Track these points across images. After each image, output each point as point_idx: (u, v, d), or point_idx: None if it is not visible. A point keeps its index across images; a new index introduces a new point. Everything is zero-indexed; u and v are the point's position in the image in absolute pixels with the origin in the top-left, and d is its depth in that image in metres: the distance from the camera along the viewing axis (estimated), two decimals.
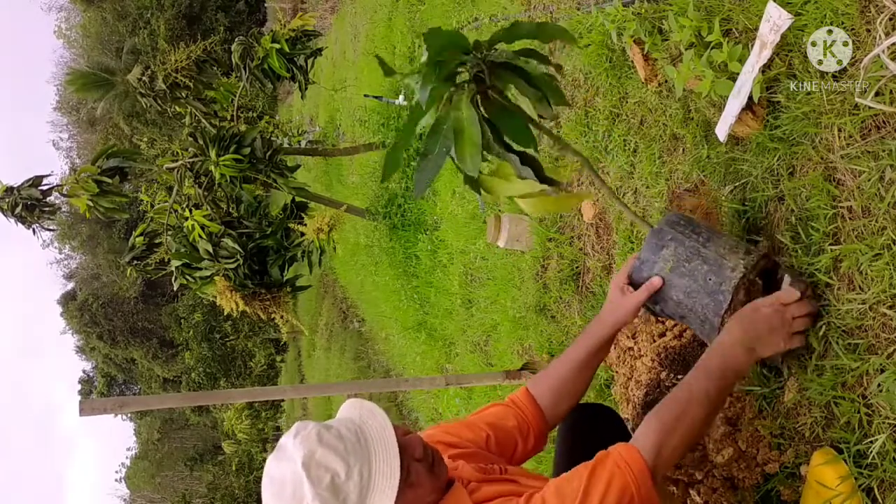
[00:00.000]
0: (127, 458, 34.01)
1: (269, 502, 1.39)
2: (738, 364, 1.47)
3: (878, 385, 1.44)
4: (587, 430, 1.84)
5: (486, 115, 1.35)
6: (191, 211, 4.32)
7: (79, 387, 34.26)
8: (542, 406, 1.75)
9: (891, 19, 1.43)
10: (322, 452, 1.33)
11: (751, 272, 1.58)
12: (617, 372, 2.42)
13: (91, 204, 4.30)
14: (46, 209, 4.45)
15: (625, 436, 1.93)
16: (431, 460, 1.44)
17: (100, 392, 30.41)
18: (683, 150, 2.17)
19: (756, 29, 1.68)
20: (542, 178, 1.45)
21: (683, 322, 1.74)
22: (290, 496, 1.33)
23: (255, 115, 5.81)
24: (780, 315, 1.52)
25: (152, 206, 4.84)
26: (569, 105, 2.04)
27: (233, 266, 4.28)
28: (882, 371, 1.44)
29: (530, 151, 1.42)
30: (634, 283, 1.74)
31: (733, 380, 1.48)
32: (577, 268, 2.92)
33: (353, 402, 1.50)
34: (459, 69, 1.33)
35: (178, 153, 4.78)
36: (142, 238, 4.72)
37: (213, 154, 4.25)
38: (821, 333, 1.59)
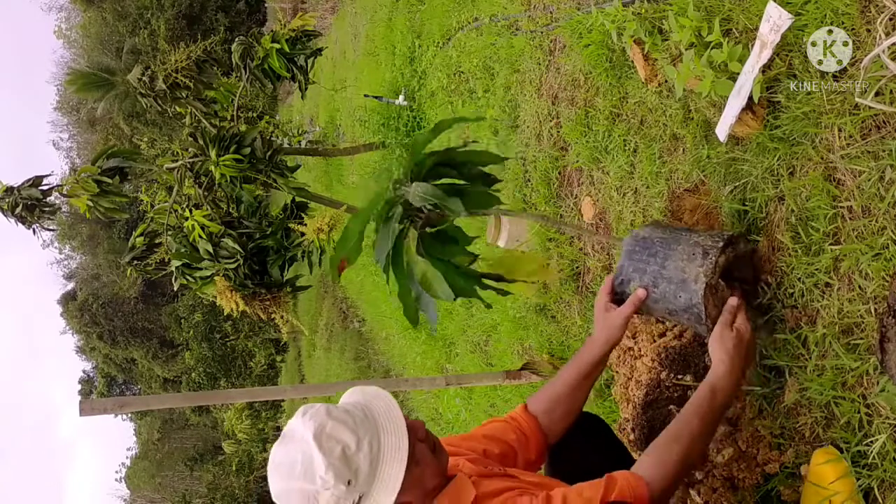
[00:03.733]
0: (127, 458, 34.01)
1: (279, 486, 1.39)
2: (727, 393, 1.57)
3: (879, 385, 1.44)
4: (576, 437, 1.85)
5: (434, 255, 1.61)
6: (191, 211, 4.31)
7: (79, 387, 34.28)
8: (540, 423, 1.78)
9: (891, 19, 1.43)
10: (332, 425, 1.36)
11: (712, 277, 1.60)
12: (617, 372, 2.42)
13: (91, 204, 4.29)
14: (46, 209, 4.44)
15: (610, 443, 1.95)
16: (434, 444, 1.49)
17: (100, 392, 30.40)
18: (683, 150, 2.17)
19: (756, 29, 1.68)
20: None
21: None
22: (301, 473, 1.34)
23: (255, 115, 5.80)
24: (744, 335, 1.60)
25: (152, 206, 4.84)
26: (506, 159, 2.29)
27: (233, 266, 4.27)
28: (882, 371, 1.43)
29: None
30: (617, 298, 1.77)
31: (724, 410, 1.58)
32: (577, 268, 2.92)
33: (356, 388, 1.54)
34: (391, 217, 1.57)
35: (178, 153, 4.78)
36: (142, 238, 4.71)
37: (213, 154, 4.24)
38: (820, 333, 1.59)
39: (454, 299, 1.59)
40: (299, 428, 1.38)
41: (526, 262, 1.93)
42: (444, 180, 1.60)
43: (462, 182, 1.61)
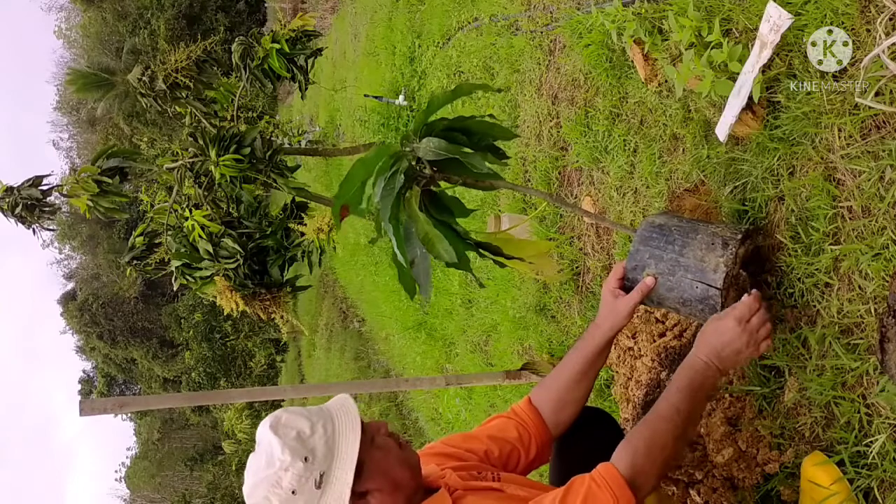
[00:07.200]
0: (127, 457, 34.02)
1: (248, 484, 1.46)
2: (706, 383, 1.51)
3: (879, 385, 1.44)
4: (580, 434, 1.84)
5: (434, 216, 1.55)
6: (191, 211, 4.30)
7: (79, 387, 34.28)
8: (543, 415, 1.75)
9: (891, 19, 1.43)
10: (287, 416, 1.46)
11: (732, 268, 1.58)
12: (617, 372, 2.42)
13: (91, 204, 4.28)
14: (46, 209, 4.42)
15: (618, 438, 1.93)
16: (398, 440, 1.53)
17: (100, 392, 30.40)
18: (683, 150, 2.17)
19: (756, 29, 1.68)
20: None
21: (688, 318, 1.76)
22: (264, 464, 1.42)
23: (255, 115, 5.79)
24: (743, 332, 1.51)
25: (152, 206, 4.82)
26: (517, 136, 2.22)
27: (233, 266, 4.26)
28: (882, 371, 1.43)
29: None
30: (628, 284, 1.73)
31: (703, 397, 1.51)
32: (576, 268, 2.92)
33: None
34: (395, 171, 1.52)
35: (178, 153, 4.77)
36: (142, 238, 4.70)
37: (213, 154, 4.24)
38: (820, 333, 1.59)
39: (456, 262, 1.53)
40: (261, 431, 1.46)
41: (528, 247, 1.90)
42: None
43: (470, 151, 1.57)
